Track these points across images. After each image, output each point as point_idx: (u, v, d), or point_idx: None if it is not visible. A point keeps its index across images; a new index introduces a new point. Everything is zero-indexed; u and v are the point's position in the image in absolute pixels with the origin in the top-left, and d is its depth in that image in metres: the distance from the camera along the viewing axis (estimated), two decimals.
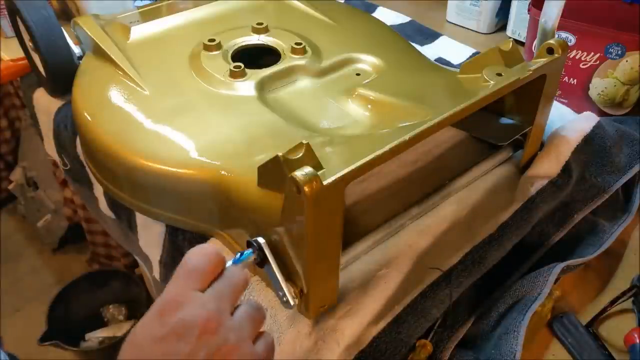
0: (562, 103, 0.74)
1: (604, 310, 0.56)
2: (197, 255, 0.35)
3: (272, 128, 0.53)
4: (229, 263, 0.42)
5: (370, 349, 0.45)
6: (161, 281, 0.61)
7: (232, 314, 0.35)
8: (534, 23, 0.74)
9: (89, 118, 0.58)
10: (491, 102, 0.48)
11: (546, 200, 0.57)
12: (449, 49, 0.88)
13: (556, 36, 0.57)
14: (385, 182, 0.57)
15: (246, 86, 0.58)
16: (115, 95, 0.59)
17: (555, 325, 0.56)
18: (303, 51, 0.62)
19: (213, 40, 0.63)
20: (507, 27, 0.93)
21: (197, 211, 0.53)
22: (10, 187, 1.57)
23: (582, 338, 0.54)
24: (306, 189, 0.35)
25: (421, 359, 0.49)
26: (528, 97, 0.54)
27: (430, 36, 0.92)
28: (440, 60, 0.85)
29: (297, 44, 0.62)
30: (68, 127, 0.72)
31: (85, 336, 1.30)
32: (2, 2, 0.87)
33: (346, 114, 0.56)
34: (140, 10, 0.73)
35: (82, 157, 0.69)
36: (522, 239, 0.56)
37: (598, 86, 0.71)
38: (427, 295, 0.49)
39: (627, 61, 0.68)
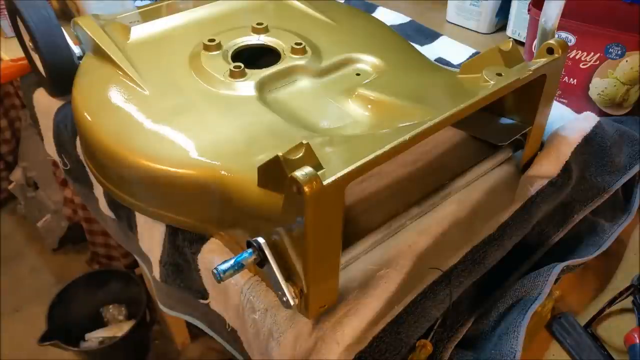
0: (562, 103, 0.74)
1: (602, 310, 0.56)
2: None
3: (272, 128, 0.53)
4: (230, 262, 0.42)
5: (370, 349, 0.45)
6: (161, 281, 0.61)
7: None
8: (534, 23, 0.74)
9: (89, 118, 0.58)
10: (491, 102, 0.47)
11: (546, 200, 0.57)
12: (449, 49, 0.88)
13: (556, 36, 0.57)
14: (385, 182, 0.57)
15: (246, 86, 0.58)
16: (115, 95, 0.59)
17: (554, 326, 0.56)
18: (303, 51, 0.62)
19: (213, 40, 0.63)
20: (507, 27, 0.93)
21: (197, 211, 0.53)
22: (10, 187, 1.57)
23: (580, 339, 0.54)
24: (306, 189, 0.35)
25: (421, 359, 0.49)
26: (528, 97, 0.54)
27: (430, 36, 0.92)
28: (440, 60, 0.85)
29: (297, 44, 0.62)
30: (68, 127, 0.73)
31: (85, 336, 1.30)
32: (2, 2, 0.87)
33: (346, 114, 0.56)
34: (140, 10, 0.73)
35: (82, 157, 0.69)
36: (522, 239, 0.56)
37: (598, 86, 0.71)
38: (427, 295, 0.49)
39: (627, 61, 0.68)
